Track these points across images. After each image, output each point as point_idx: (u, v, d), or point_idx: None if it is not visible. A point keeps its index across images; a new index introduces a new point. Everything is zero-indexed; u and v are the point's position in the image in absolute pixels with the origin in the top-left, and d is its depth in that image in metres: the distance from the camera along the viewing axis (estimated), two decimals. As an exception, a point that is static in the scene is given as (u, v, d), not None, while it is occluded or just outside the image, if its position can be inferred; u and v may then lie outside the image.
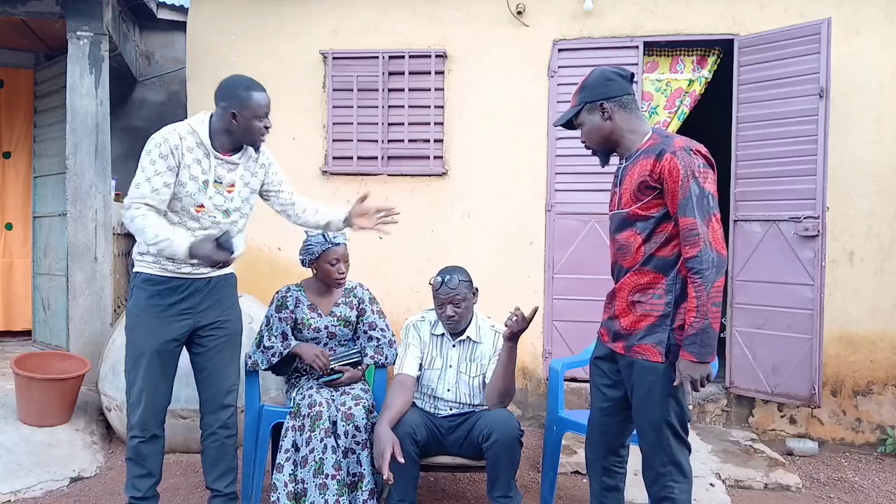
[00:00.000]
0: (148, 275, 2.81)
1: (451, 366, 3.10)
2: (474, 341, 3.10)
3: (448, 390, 3.09)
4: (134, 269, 2.86)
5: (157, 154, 2.66)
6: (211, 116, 2.80)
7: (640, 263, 2.38)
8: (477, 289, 3.13)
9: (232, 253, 2.59)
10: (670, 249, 2.34)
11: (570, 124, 2.55)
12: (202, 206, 2.75)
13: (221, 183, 2.78)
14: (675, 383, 2.30)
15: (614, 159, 2.55)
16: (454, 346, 3.11)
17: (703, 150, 2.33)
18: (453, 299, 3.02)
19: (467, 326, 3.11)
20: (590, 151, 2.56)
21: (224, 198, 2.80)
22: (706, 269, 2.21)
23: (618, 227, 2.46)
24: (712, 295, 2.21)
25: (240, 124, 2.73)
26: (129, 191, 2.70)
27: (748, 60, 4.34)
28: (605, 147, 2.51)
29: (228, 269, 2.95)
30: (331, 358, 3.20)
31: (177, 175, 2.69)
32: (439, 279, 3.06)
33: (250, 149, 2.87)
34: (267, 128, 2.80)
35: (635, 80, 4.41)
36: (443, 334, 3.13)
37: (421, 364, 3.12)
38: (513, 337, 2.90)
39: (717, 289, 2.22)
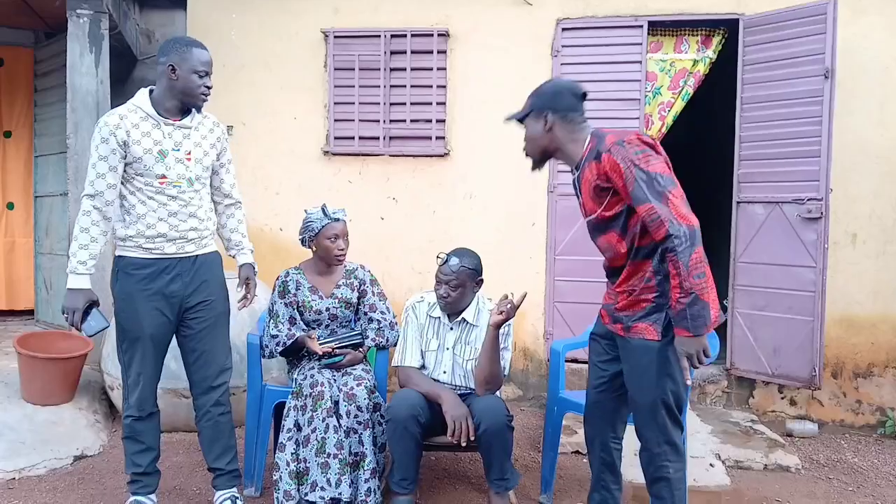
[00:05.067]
0: (132, 258, 2.80)
1: (447, 348, 3.11)
2: (471, 324, 3.10)
3: (444, 372, 3.11)
4: (116, 253, 2.85)
5: (99, 138, 2.69)
6: (151, 90, 2.81)
7: (630, 258, 2.41)
8: (482, 279, 3.12)
9: (80, 330, 2.74)
10: (648, 237, 2.35)
11: (522, 121, 2.61)
12: (164, 176, 2.75)
13: (179, 150, 2.78)
14: (681, 364, 2.29)
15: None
16: (451, 328, 3.12)
17: (637, 135, 2.34)
18: (448, 281, 3.03)
19: (465, 309, 3.11)
20: (525, 155, 2.63)
21: (185, 166, 2.79)
22: (678, 244, 2.19)
23: (594, 232, 2.52)
24: (692, 268, 2.19)
25: (179, 78, 2.72)
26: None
27: (753, 41, 4.30)
28: (539, 154, 2.58)
29: (211, 245, 2.97)
30: (332, 340, 3.21)
31: (125, 155, 2.70)
32: (444, 257, 3.07)
33: (200, 117, 2.87)
34: (207, 87, 2.78)
35: (639, 61, 4.41)
36: (440, 317, 3.14)
37: (421, 351, 3.15)
38: (500, 325, 2.92)
39: (696, 260, 2.19)
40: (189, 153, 2.81)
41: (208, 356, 2.94)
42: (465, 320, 3.11)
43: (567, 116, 2.48)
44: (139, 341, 2.81)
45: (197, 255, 2.88)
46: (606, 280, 2.61)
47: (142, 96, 2.79)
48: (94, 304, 2.73)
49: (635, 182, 2.25)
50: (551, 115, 2.48)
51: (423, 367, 3.15)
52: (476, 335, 3.09)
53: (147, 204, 2.76)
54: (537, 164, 2.63)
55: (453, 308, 3.09)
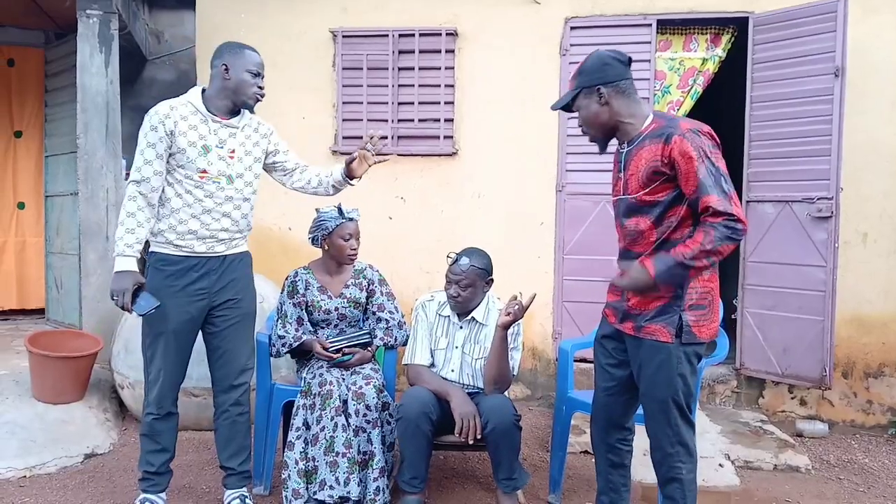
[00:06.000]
0: (163, 255, 2.83)
1: (456, 346, 3.11)
2: (480, 323, 3.10)
3: (452, 371, 3.11)
4: (149, 249, 2.89)
5: (148, 126, 2.74)
6: (203, 89, 2.87)
7: (653, 248, 2.36)
8: (492, 279, 3.12)
9: (130, 311, 2.72)
10: (680, 232, 2.32)
11: (568, 107, 2.52)
12: (205, 171, 2.78)
13: (223, 147, 2.82)
14: (614, 277, 2.37)
15: (613, 143, 2.54)
16: (461, 327, 3.12)
17: (710, 130, 2.30)
18: (459, 281, 3.04)
19: (475, 308, 3.11)
20: (587, 138, 2.54)
21: (226, 163, 2.83)
22: (725, 230, 2.17)
23: (625, 212, 2.45)
24: (715, 250, 2.18)
25: (232, 78, 2.79)
26: None
27: (763, 39, 4.28)
28: (602, 133, 2.48)
29: (242, 246, 2.98)
30: (341, 339, 3.22)
31: (171, 145, 2.74)
32: (454, 257, 3.08)
33: (248, 116, 2.93)
34: (261, 88, 2.84)
35: (648, 60, 4.40)
36: (449, 315, 3.15)
37: (431, 349, 3.15)
38: (508, 326, 2.91)
39: (722, 251, 2.20)
40: (232, 151, 2.85)
41: (231, 355, 2.96)
42: (474, 319, 3.11)
43: (619, 86, 2.39)
44: (162, 336, 2.83)
45: (226, 255, 2.91)
46: (618, 264, 2.54)
47: (194, 93, 2.86)
48: (141, 285, 2.73)
49: (706, 172, 2.21)
50: (604, 88, 2.39)
51: (432, 365, 3.15)
52: (486, 334, 3.09)
53: (183, 198, 2.79)
54: (602, 144, 2.53)
55: (463, 307, 3.09)
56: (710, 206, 2.20)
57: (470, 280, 3.03)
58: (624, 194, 2.44)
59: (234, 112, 2.88)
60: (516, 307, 2.89)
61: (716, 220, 2.20)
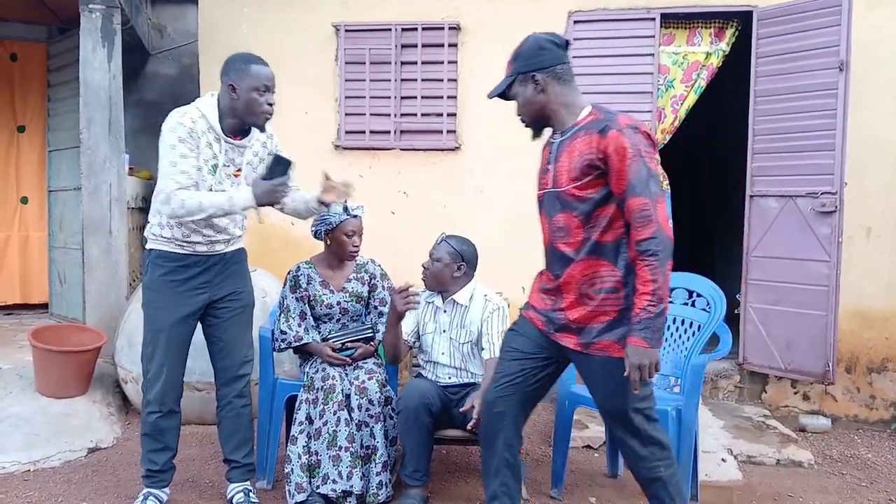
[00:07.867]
0: (164, 251, 2.83)
1: (444, 330, 3.16)
2: (462, 305, 3.14)
3: (443, 353, 3.16)
4: (147, 247, 2.89)
5: (176, 139, 2.65)
6: (218, 99, 2.77)
7: (584, 251, 2.26)
8: (462, 265, 3.12)
9: (285, 172, 2.70)
10: (612, 234, 2.23)
11: (505, 95, 2.43)
12: (211, 189, 2.75)
13: (230, 166, 2.79)
14: (624, 373, 2.17)
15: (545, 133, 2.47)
16: (444, 310, 3.18)
17: (647, 129, 2.23)
18: (431, 253, 3.16)
19: (448, 291, 3.16)
20: (523, 124, 2.45)
21: (231, 181, 2.81)
22: (661, 251, 2.10)
23: (553, 207, 2.33)
24: (665, 277, 2.11)
25: (239, 97, 2.68)
26: (158, 185, 2.69)
27: (767, 33, 4.26)
28: (538, 121, 2.40)
29: (239, 244, 3.00)
30: (343, 334, 3.22)
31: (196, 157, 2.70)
32: (440, 237, 3.19)
33: (257, 132, 2.84)
34: (270, 104, 2.73)
35: (652, 54, 4.38)
36: (434, 301, 3.21)
37: (418, 332, 3.21)
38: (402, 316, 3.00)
39: (669, 273, 2.13)
40: (238, 170, 2.83)
41: (232, 346, 2.98)
42: (455, 302, 3.15)
43: (556, 72, 2.30)
44: (163, 332, 2.84)
45: (225, 252, 2.92)
46: (545, 271, 2.42)
47: (209, 106, 2.74)
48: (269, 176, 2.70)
49: (637, 173, 2.13)
50: (539, 74, 2.29)
51: (420, 349, 3.23)
52: (470, 319, 3.13)
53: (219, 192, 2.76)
54: (536, 131, 2.43)
55: (431, 282, 3.16)
56: (637, 208, 2.13)
57: (439, 255, 3.12)
58: (553, 187, 2.32)
59: (245, 131, 2.80)
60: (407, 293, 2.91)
61: (642, 251, 2.13)
